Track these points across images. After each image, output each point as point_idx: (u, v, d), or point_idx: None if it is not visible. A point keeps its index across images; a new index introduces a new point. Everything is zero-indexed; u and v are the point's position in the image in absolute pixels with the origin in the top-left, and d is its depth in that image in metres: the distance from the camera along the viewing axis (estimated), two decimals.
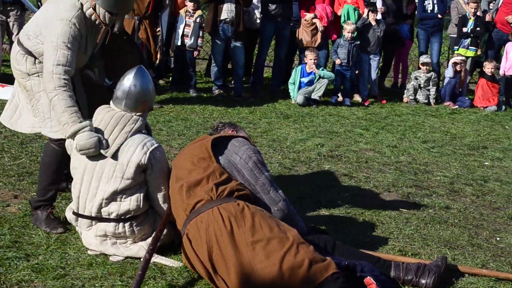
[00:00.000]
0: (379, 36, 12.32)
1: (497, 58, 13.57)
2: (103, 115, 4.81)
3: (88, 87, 5.30)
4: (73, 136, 4.71)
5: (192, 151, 4.67)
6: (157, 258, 4.66)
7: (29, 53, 5.06)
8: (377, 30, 12.28)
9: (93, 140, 4.64)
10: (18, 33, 10.96)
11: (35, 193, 5.72)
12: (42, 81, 4.98)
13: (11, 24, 10.96)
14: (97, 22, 5.02)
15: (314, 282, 4.11)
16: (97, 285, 4.27)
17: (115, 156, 4.67)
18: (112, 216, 4.73)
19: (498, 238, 5.82)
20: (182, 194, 4.48)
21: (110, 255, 4.73)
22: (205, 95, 11.50)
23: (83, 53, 5.15)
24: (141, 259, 4.52)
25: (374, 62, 12.57)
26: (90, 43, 5.20)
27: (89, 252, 4.76)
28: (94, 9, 4.91)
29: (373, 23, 12.23)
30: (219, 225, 4.21)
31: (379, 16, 12.57)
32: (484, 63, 13.11)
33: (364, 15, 12.29)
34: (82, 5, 4.95)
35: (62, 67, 4.79)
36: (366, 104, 12.23)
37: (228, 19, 11.20)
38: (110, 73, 5.74)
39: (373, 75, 12.62)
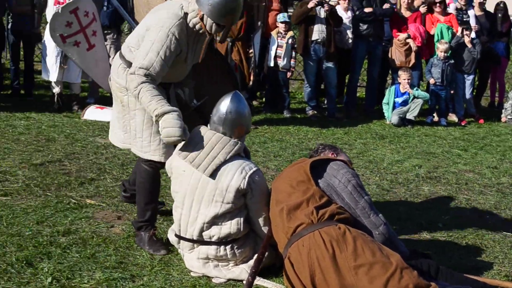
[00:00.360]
0: (474, 56, 12.13)
1: None
2: (205, 131, 4.84)
3: (178, 106, 5.33)
4: (160, 117, 4.73)
5: (291, 174, 4.65)
6: (259, 281, 4.64)
7: (130, 65, 5.05)
8: (473, 52, 12.08)
9: (178, 126, 4.67)
10: (114, 56, 11.27)
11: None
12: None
13: (108, 47, 11.16)
14: (201, 31, 5.02)
15: None
16: None
17: (214, 181, 4.67)
18: (213, 239, 4.75)
19: None
20: (282, 217, 4.46)
21: (213, 277, 4.74)
22: (299, 116, 11.52)
23: (184, 62, 5.16)
24: (243, 282, 4.53)
25: (469, 81, 12.37)
26: (191, 53, 5.18)
27: (192, 274, 4.78)
28: (202, 19, 4.91)
29: (469, 45, 12.05)
30: (321, 249, 4.18)
31: (473, 35, 12.39)
32: None
33: (458, 34, 12.12)
34: (185, 14, 4.96)
35: (144, 70, 4.80)
36: (462, 124, 12.02)
37: (319, 40, 11.24)
38: (200, 93, 5.75)
39: (468, 95, 12.42)
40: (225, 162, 4.71)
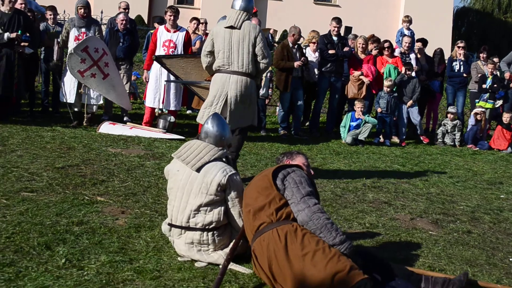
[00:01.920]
0: (417, 91, 12.28)
1: None
2: (196, 141, 4.98)
3: None
4: None
5: (257, 182, 4.64)
6: (232, 266, 4.67)
7: (256, 78, 7.19)
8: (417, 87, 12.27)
9: None
10: (127, 82, 11.29)
11: (138, 210, 5.84)
12: None
13: (122, 75, 11.23)
14: None
15: (350, 284, 4.05)
16: (184, 285, 4.29)
17: (201, 176, 4.74)
18: (198, 226, 4.78)
19: (511, 259, 5.67)
20: (249, 218, 4.48)
21: (196, 261, 4.76)
22: (272, 135, 11.55)
23: None
24: (220, 266, 4.56)
25: (416, 109, 12.48)
26: None
27: (179, 258, 4.79)
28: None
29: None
30: (276, 243, 4.20)
31: (413, 74, 12.51)
32: (504, 113, 12.92)
33: (402, 72, 12.25)
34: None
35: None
36: (403, 144, 12.09)
37: (294, 76, 11.37)
38: None
39: (417, 120, 12.53)
40: (209, 162, 4.81)
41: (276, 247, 4.18)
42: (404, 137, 12.44)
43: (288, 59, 11.31)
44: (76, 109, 10.50)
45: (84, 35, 10.32)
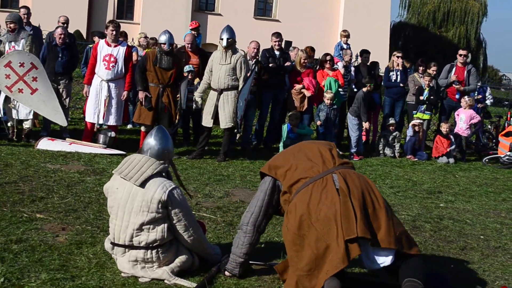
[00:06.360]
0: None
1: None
2: (136, 156, 4.88)
3: None
4: None
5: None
6: (177, 280, 4.64)
7: None
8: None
9: None
10: (66, 97, 11.11)
11: (79, 226, 5.72)
12: None
13: (61, 90, 11.08)
14: None
15: None
16: None
17: (141, 194, 4.66)
18: (142, 245, 4.71)
19: (452, 266, 5.79)
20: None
21: (139, 277, 4.70)
22: (214, 148, 11.51)
23: None
24: (164, 281, 4.62)
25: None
26: None
27: (122, 274, 4.71)
28: None
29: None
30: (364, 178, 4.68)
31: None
32: (441, 124, 13.23)
33: (366, 84, 12.41)
34: None
35: None
36: (356, 158, 12.10)
37: None
38: None
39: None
40: (151, 176, 4.72)
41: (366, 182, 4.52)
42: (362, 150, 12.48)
43: None
44: (11, 124, 10.33)
45: (14, 48, 10.25)
